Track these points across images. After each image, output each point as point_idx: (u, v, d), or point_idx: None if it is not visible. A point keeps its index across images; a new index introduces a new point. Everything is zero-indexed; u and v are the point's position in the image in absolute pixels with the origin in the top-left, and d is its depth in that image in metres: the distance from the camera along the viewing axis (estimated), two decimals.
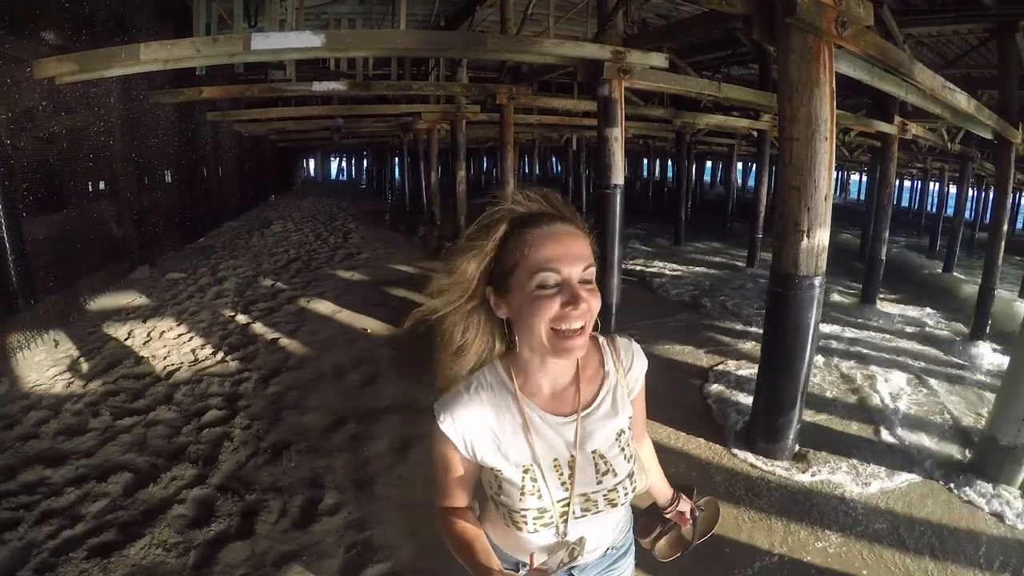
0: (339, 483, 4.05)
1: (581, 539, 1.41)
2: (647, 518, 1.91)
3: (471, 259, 1.32)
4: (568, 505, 1.41)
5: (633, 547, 1.72)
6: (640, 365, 1.55)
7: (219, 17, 8.40)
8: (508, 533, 1.48)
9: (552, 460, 1.41)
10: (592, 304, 1.26)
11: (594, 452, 1.44)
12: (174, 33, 9.81)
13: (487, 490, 1.48)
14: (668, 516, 1.86)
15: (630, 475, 1.47)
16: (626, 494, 1.46)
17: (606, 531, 1.55)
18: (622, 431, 1.49)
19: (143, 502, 3.69)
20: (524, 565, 1.52)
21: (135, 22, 9.27)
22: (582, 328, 1.27)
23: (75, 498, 3.69)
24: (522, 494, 1.38)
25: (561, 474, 1.41)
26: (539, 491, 1.39)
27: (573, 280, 1.25)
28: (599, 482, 1.43)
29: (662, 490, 1.84)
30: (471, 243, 1.32)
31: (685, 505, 1.85)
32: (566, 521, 1.41)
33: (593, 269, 1.28)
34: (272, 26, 7.96)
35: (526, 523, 1.39)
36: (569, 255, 1.26)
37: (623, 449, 1.47)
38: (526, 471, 1.39)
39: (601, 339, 1.53)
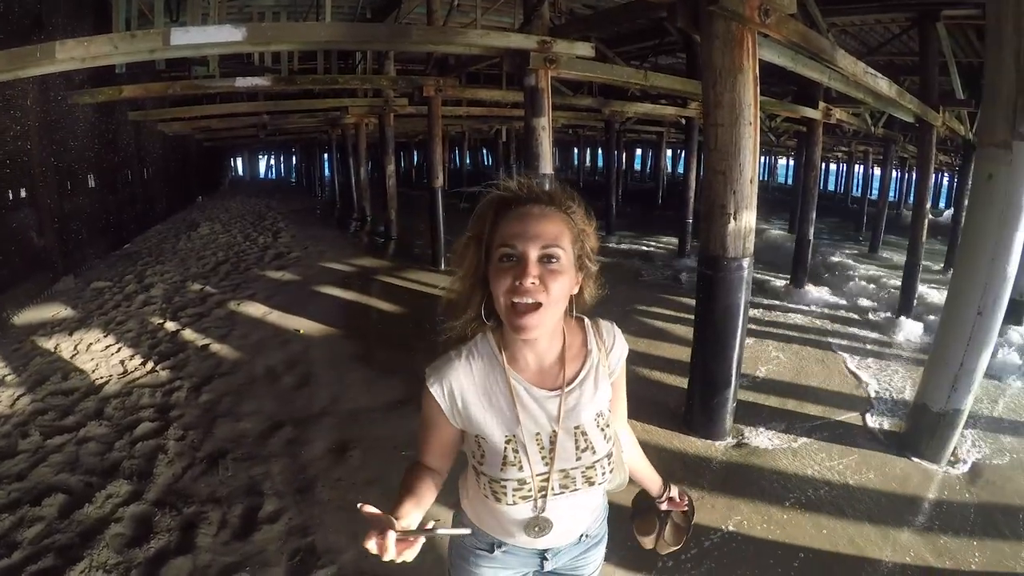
0: (278, 489, 4.04)
1: (546, 519, 1.50)
2: (644, 513, 1.99)
3: (470, 243, 1.45)
4: (548, 480, 1.47)
5: (606, 539, 1.78)
6: (620, 347, 1.63)
7: (139, 12, 8.17)
8: (487, 508, 1.55)
9: (535, 433, 1.47)
10: (550, 283, 1.34)
11: (576, 428, 1.50)
12: (93, 30, 9.48)
13: (470, 459, 1.54)
14: (662, 505, 1.95)
15: (608, 455, 1.53)
16: (603, 473, 1.52)
17: (583, 513, 1.61)
18: (601, 411, 1.56)
19: (79, 523, 3.62)
20: (499, 545, 1.60)
21: (52, 19, 8.93)
22: (536, 305, 1.33)
23: (9, 524, 3.59)
24: (504, 464, 1.45)
25: (542, 448, 1.47)
26: (520, 462, 1.45)
27: (528, 256, 1.33)
28: (578, 458, 1.49)
29: (652, 478, 1.91)
30: (470, 228, 1.45)
31: (675, 490, 1.94)
32: (544, 496, 1.48)
33: (559, 250, 1.35)
34: (195, 21, 7.79)
35: (506, 494, 1.45)
36: (528, 232, 1.34)
37: (603, 429, 1.54)
38: (508, 441, 1.46)
39: (586, 321, 1.60)
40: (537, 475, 1.46)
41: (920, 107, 8.77)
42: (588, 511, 1.63)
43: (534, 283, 1.32)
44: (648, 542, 1.99)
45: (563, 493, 1.49)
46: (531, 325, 1.34)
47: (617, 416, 1.70)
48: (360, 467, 4.33)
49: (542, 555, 1.63)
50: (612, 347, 1.61)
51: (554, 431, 1.48)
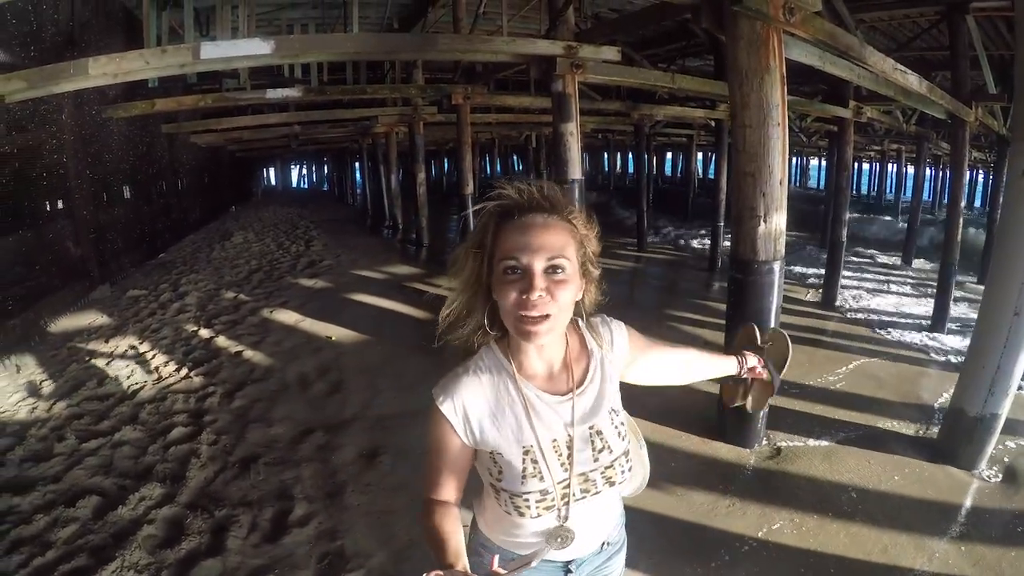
0: (308, 494, 4.07)
1: (568, 529, 1.47)
2: (730, 386, 2.04)
3: (470, 254, 1.41)
4: (568, 486, 1.45)
5: (626, 544, 1.76)
6: (620, 334, 1.62)
7: (170, 28, 8.32)
8: (507, 525, 1.53)
9: (551, 440, 1.45)
10: (557, 294, 1.32)
11: (591, 428, 1.49)
12: (124, 46, 9.65)
13: (486, 478, 1.51)
14: (745, 377, 1.98)
15: (625, 453, 1.52)
16: (622, 472, 1.51)
17: (604, 517, 1.59)
18: (614, 409, 1.55)
19: (112, 524, 3.68)
20: (509, 559, 1.50)
21: (85, 37, 9.12)
22: (546, 317, 1.32)
23: (44, 525, 3.67)
24: (524, 477, 1.42)
25: (560, 454, 1.45)
26: (540, 473, 1.43)
27: (533, 269, 1.31)
28: (596, 459, 1.48)
29: (724, 366, 1.93)
30: (471, 240, 1.42)
31: (753, 359, 1.96)
32: (567, 503, 1.45)
33: (564, 260, 1.34)
34: (224, 34, 7.91)
35: (529, 507, 1.42)
36: (532, 245, 1.32)
37: (617, 427, 1.53)
38: (526, 452, 1.43)
39: (579, 322, 1.57)
40: (558, 483, 1.44)
41: (952, 103, 8.59)
42: (608, 515, 1.61)
43: (541, 296, 1.30)
44: (736, 400, 2.04)
45: (584, 498, 1.47)
46: (542, 332, 1.33)
47: (662, 356, 1.76)
48: (390, 473, 4.34)
49: (566, 567, 1.60)
50: (612, 339, 1.60)
51: (570, 436, 1.47)
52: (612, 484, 1.50)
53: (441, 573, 1.16)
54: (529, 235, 1.33)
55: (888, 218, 23.46)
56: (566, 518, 1.47)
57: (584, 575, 1.64)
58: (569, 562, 1.59)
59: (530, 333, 1.33)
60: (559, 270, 1.33)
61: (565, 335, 1.50)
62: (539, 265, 1.31)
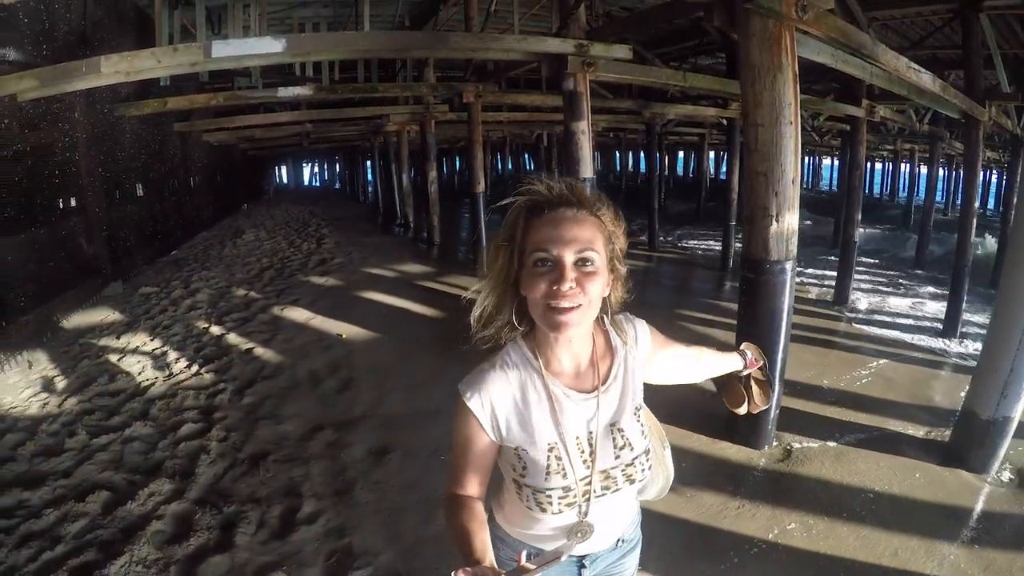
0: (317, 491, 4.08)
1: (588, 524, 1.47)
2: (728, 386, 2.07)
3: (501, 249, 1.42)
4: (590, 483, 1.45)
5: (640, 544, 1.76)
6: (643, 331, 1.63)
7: (182, 27, 8.36)
8: (526, 520, 1.53)
9: (575, 437, 1.46)
10: (587, 286, 1.33)
11: (613, 426, 1.50)
12: (136, 45, 9.69)
13: (509, 473, 1.51)
14: (746, 374, 2.01)
15: (646, 451, 1.53)
16: (643, 470, 1.51)
17: (621, 514, 1.60)
18: (638, 407, 1.56)
19: (122, 520, 3.70)
20: (537, 555, 1.46)
21: (97, 35, 9.16)
22: (575, 308, 1.33)
23: (54, 519, 3.69)
24: (548, 473, 1.43)
25: (583, 451, 1.46)
26: (563, 469, 1.43)
27: (564, 261, 1.32)
28: (617, 456, 1.48)
29: (731, 362, 1.98)
30: (501, 235, 1.43)
31: (749, 353, 2.02)
32: (588, 500, 1.46)
33: (593, 253, 1.34)
34: (236, 33, 7.96)
35: (551, 503, 1.43)
36: (563, 237, 1.33)
37: (640, 424, 1.54)
38: (551, 449, 1.44)
39: (605, 319, 1.57)
40: (580, 479, 1.44)
41: (965, 102, 8.52)
42: (625, 512, 1.61)
43: (572, 287, 1.31)
44: (741, 410, 2.05)
45: (604, 495, 1.48)
46: (572, 322, 1.34)
47: (680, 354, 1.78)
48: (399, 471, 4.34)
49: (580, 562, 1.61)
50: (636, 336, 1.60)
51: (592, 432, 1.47)
52: (632, 482, 1.50)
53: (470, 570, 1.16)
54: (560, 228, 1.34)
55: (891, 228, 22.33)
56: (586, 514, 1.47)
57: (598, 570, 1.65)
58: (583, 557, 1.60)
59: (560, 324, 1.34)
60: (588, 263, 1.34)
61: (591, 332, 1.50)
62: (569, 257, 1.32)
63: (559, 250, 1.32)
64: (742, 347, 2.03)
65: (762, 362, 2.04)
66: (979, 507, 4.03)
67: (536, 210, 1.39)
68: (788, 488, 4.23)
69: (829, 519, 3.85)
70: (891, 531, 3.74)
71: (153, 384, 5.87)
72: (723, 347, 2.02)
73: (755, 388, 2.03)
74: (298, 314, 8.35)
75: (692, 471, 4.36)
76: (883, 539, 3.67)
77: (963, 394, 4.94)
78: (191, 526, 3.67)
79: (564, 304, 1.31)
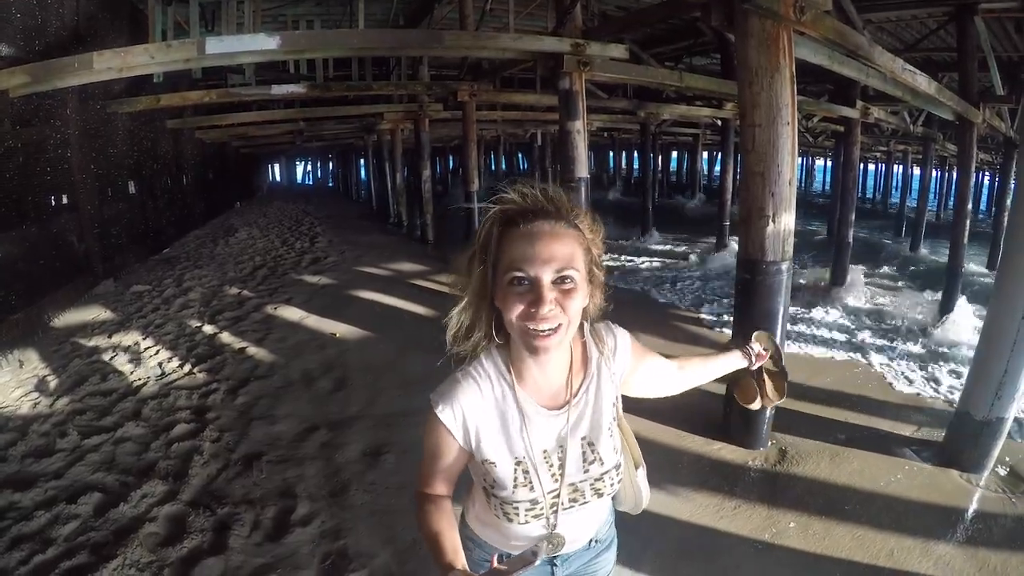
0: (311, 492, 4.05)
1: (559, 535, 1.45)
2: (738, 382, 2.04)
3: (472, 260, 1.37)
4: (558, 496, 1.44)
5: (616, 541, 1.75)
6: (623, 342, 1.58)
7: (175, 23, 8.31)
8: (495, 525, 1.52)
9: (543, 451, 1.44)
10: (567, 305, 1.29)
11: (583, 439, 1.47)
12: (130, 41, 9.64)
13: (479, 482, 1.50)
14: (756, 368, 1.97)
15: (616, 466, 1.51)
16: (612, 484, 1.50)
17: (591, 523, 1.58)
18: (613, 419, 1.53)
19: (114, 522, 3.66)
20: (508, 556, 1.47)
21: (90, 31, 9.08)
22: (555, 330, 1.29)
23: (45, 521, 3.65)
24: (515, 486, 1.42)
25: (551, 465, 1.44)
26: (531, 483, 1.42)
27: (542, 281, 1.27)
28: (586, 471, 1.46)
29: (731, 362, 1.93)
30: (473, 248, 1.38)
31: (758, 345, 1.96)
32: (555, 512, 1.44)
33: (572, 271, 1.29)
34: (230, 30, 7.94)
35: (518, 515, 1.42)
36: (540, 256, 1.27)
37: (612, 438, 1.51)
38: (518, 463, 1.42)
39: (585, 328, 1.53)
40: (548, 492, 1.44)
41: (960, 104, 8.58)
42: (596, 518, 1.60)
43: (551, 309, 1.27)
44: (755, 406, 2.03)
45: (572, 507, 1.47)
46: (552, 345, 1.31)
47: (660, 366, 1.72)
48: (394, 471, 4.32)
49: (551, 563, 1.60)
50: (615, 348, 1.57)
51: (562, 447, 1.45)
52: (601, 496, 1.50)
53: None
54: (537, 245, 1.28)
55: (888, 240, 20.96)
56: (554, 526, 1.46)
57: (571, 570, 1.64)
58: (554, 557, 1.59)
59: (539, 348, 1.31)
60: (568, 280, 1.30)
61: (569, 345, 1.46)
62: (547, 277, 1.27)
63: (536, 270, 1.27)
64: (753, 337, 1.99)
65: (772, 351, 1.99)
66: (974, 507, 4.04)
67: (510, 222, 1.33)
68: (784, 488, 4.23)
69: (826, 519, 3.85)
70: (886, 531, 3.75)
71: (145, 384, 5.82)
72: (723, 348, 2.00)
73: (768, 381, 2.00)
74: (291, 313, 8.31)
75: (688, 472, 4.37)
76: (879, 539, 3.67)
77: (957, 395, 4.96)
78: (184, 528, 3.63)
79: (543, 327, 1.28)
